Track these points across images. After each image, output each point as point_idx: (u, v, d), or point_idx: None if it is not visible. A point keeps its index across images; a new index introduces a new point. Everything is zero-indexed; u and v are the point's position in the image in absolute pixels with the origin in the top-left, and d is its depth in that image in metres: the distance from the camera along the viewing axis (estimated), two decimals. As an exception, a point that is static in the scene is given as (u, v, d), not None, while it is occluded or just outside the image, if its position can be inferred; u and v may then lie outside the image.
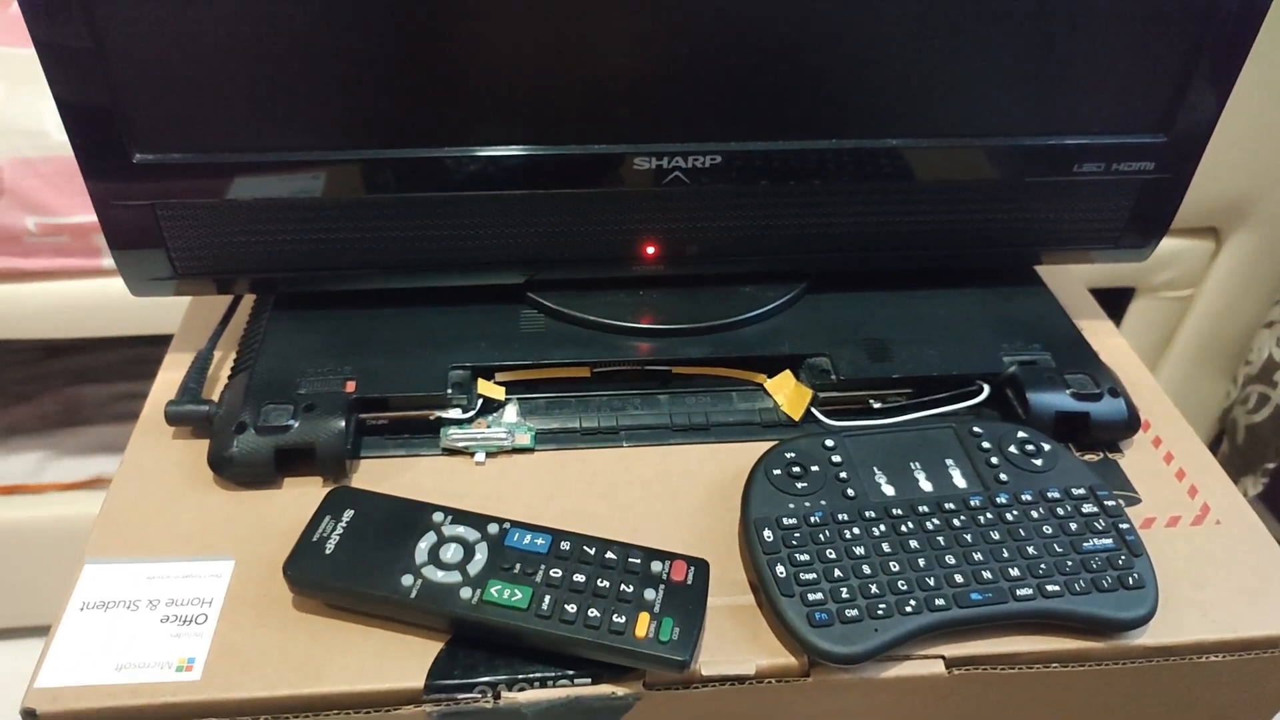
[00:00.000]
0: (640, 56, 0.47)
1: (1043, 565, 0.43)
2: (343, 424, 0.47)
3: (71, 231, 0.84)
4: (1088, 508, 0.46)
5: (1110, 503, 0.46)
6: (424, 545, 0.42)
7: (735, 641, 0.42)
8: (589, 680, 0.40)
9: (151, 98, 0.45)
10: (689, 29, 0.46)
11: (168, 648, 0.41)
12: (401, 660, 0.41)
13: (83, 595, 0.42)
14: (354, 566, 0.42)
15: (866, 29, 0.47)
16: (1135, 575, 0.43)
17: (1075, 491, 0.47)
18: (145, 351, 1.16)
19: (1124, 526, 0.45)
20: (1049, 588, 0.42)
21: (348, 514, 0.44)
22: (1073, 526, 0.45)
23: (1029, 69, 0.49)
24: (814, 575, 0.42)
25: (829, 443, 0.48)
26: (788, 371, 0.54)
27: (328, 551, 0.42)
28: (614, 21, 0.45)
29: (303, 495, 0.47)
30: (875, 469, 0.47)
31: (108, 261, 0.86)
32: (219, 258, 0.51)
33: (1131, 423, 0.52)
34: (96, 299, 0.89)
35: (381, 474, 0.49)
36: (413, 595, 0.40)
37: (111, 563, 0.44)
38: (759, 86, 0.48)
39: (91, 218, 0.83)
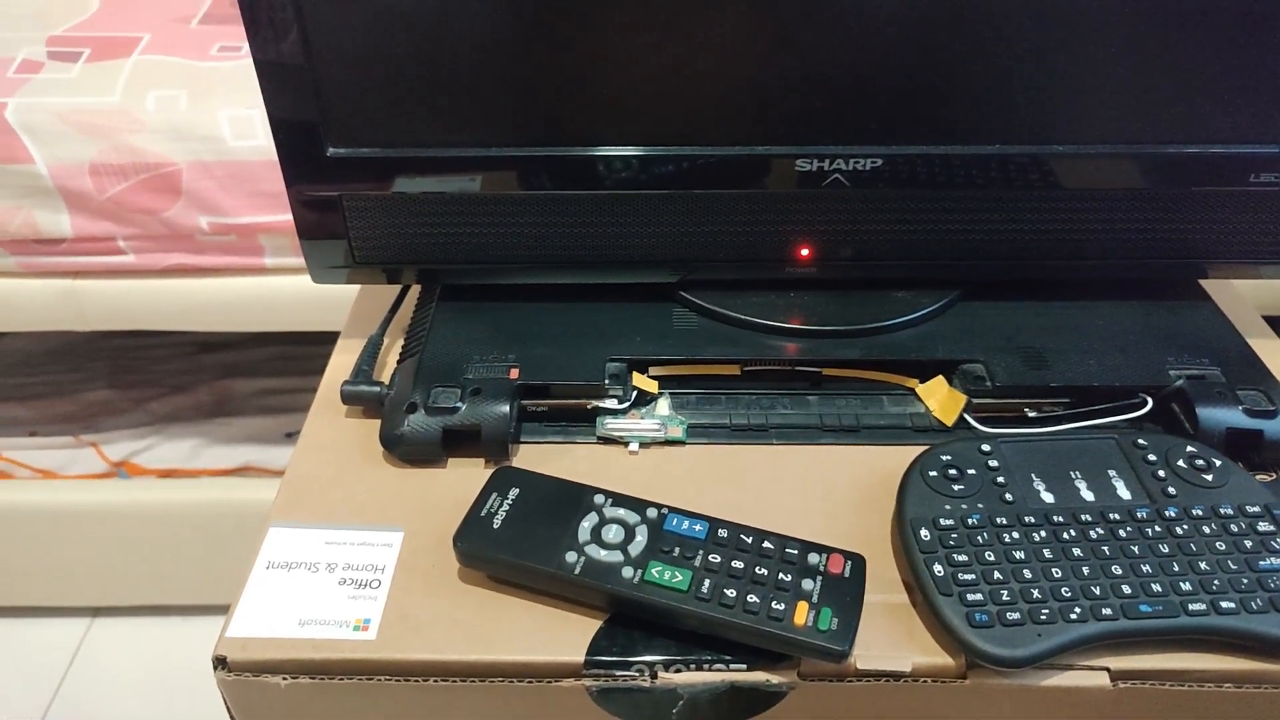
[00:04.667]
0: (802, 60, 0.48)
1: (1216, 581, 0.42)
2: (507, 408, 0.49)
3: (239, 231, 0.90)
4: (1264, 526, 0.44)
5: (1288, 522, 0.44)
6: (586, 525, 0.44)
7: (891, 638, 0.42)
8: (744, 666, 0.41)
9: (348, 100, 0.48)
10: (853, 32, 0.47)
11: (345, 608, 0.43)
12: (563, 634, 0.42)
13: (268, 555, 0.45)
14: (520, 542, 0.43)
15: (1030, 33, 0.47)
16: (1317, 597, 0.41)
17: (1250, 509, 0.45)
18: (289, 349, 1.23)
19: (1304, 547, 0.43)
20: (1223, 604, 0.41)
21: (513, 492, 0.45)
22: (1248, 544, 0.43)
23: (1200, 73, 0.48)
24: (973, 576, 0.42)
25: (985, 448, 0.48)
26: (940, 377, 0.53)
27: (495, 526, 0.44)
28: (776, 25, 0.46)
29: (466, 474, 0.49)
30: (1033, 475, 0.47)
31: (270, 260, 0.92)
32: (392, 248, 0.54)
33: (1309, 443, 0.49)
34: (254, 295, 0.95)
35: (540, 458, 0.51)
36: (576, 571, 0.42)
37: (294, 527, 0.47)
38: (921, 91, 0.48)
39: (258, 219, 0.89)
